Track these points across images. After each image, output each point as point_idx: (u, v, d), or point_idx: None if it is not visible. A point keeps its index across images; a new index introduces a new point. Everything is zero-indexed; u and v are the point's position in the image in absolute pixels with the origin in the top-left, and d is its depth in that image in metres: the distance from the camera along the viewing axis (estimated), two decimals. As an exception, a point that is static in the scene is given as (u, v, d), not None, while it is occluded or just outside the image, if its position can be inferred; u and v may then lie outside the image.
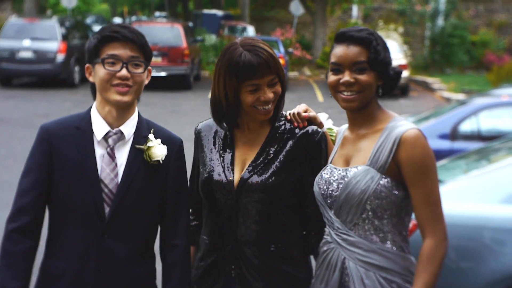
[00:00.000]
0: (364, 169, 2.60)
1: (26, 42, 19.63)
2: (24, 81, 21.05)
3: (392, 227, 2.61)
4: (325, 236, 2.76)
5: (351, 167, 2.64)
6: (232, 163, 2.81)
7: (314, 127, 2.86)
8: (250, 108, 2.74)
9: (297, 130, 2.84)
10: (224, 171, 2.79)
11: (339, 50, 2.64)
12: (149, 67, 2.75)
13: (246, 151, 2.83)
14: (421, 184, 2.54)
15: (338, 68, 2.65)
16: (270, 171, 2.76)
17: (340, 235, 2.66)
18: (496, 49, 28.55)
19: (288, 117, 2.87)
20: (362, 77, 2.61)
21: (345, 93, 2.63)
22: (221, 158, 2.82)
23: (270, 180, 2.74)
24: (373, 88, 2.64)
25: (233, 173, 2.79)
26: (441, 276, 4.06)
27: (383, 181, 2.57)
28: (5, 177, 9.63)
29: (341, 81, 2.63)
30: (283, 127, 2.85)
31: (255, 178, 2.75)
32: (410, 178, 2.55)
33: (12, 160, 10.81)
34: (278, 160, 2.78)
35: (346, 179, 2.61)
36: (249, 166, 2.79)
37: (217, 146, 2.86)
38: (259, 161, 2.79)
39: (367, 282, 2.59)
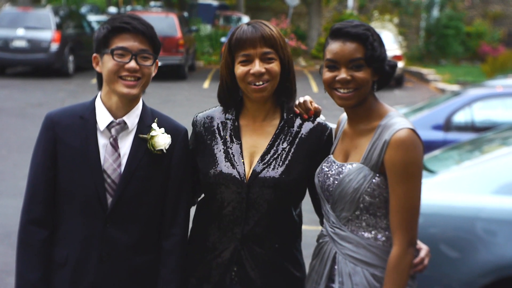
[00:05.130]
0: (358, 167, 2.58)
1: (20, 31, 19.54)
2: (18, 71, 20.98)
3: (386, 224, 2.60)
4: (322, 229, 2.76)
5: (347, 163, 2.62)
6: (240, 155, 2.73)
7: (323, 121, 2.82)
8: (243, 84, 2.68)
9: (307, 123, 2.78)
10: (233, 164, 2.71)
11: (335, 47, 2.59)
12: (157, 60, 2.75)
13: (254, 143, 2.76)
14: (398, 188, 2.51)
15: (334, 65, 2.60)
16: (284, 166, 2.69)
17: (334, 229, 2.66)
18: (491, 40, 28.56)
19: (297, 111, 2.80)
20: (359, 74, 2.57)
21: (341, 90, 2.59)
22: (229, 150, 2.74)
23: (284, 175, 2.68)
24: (369, 84, 2.60)
25: (243, 165, 2.71)
26: (434, 267, 4.07)
27: (376, 180, 2.55)
28: (-2, 166, 9.62)
29: (337, 78, 2.58)
30: (293, 119, 2.77)
31: (268, 173, 2.68)
32: (390, 181, 2.53)
33: (5, 150, 10.77)
34: (291, 154, 2.72)
35: (341, 175, 2.60)
36: (260, 158, 2.71)
37: (221, 137, 2.78)
38: (270, 154, 2.71)
39: (355, 278, 2.58)
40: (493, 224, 4.24)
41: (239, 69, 2.68)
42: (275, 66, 2.67)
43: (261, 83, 2.66)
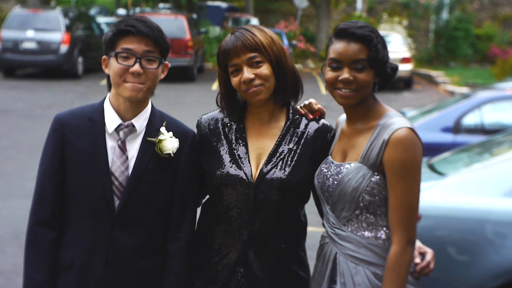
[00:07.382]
0: (356, 166, 2.59)
1: (30, 33, 19.63)
2: (27, 72, 21.06)
3: (387, 222, 2.60)
4: (323, 230, 2.77)
5: (345, 163, 2.63)
6: (247, 156, 2.74)
7: (328, 123, 2.83)
8: (240, 92, 2.71)
9: (312, 124, 2.79)
10: (239, 165, 2.71)
11: (339, 47, 2.61)
12: (166, 62, 2.74)
13: (260, 145, 2.76)
14: (397, 187, 2.52)
15: (337, 65, 2.61)
16: (291, 166, 2.70)
17: (334, 229, 2.66)
18: (500, 42, 28.46)
19: (302, 112, 2.81)
20: (361, 75, 2.58)
21: (343, 90, 2.60)
22: (235, 152, 2.74)
23: (291, 176, 2.69)
24: (370, 85, 2.62)
25: (250, 167, 2.72)
26: (442, 269, 4.06)
27: (375, 178, 2.56)
28: (7, 168, 9.64)
29: (339, 78, 2.60)
30: (298, 121, 2.79)
31: (276, 173, 2.68)
32: (389, 179, 2.54)
33: (14, 151, 10.82)
34: (297, 154, 2.72)
35: (340, 175, 2.61)
36: (267, 159, 2.71)
37: (227, 139, 2.78)
38: (277, 155, 2.72)
39: (357, 278, 2.58)
40: (502, 226, 4.23)
41: (233, 80, 2.71)
42: (264, 69, 2.68)
43: (254, 88, 2.67)
